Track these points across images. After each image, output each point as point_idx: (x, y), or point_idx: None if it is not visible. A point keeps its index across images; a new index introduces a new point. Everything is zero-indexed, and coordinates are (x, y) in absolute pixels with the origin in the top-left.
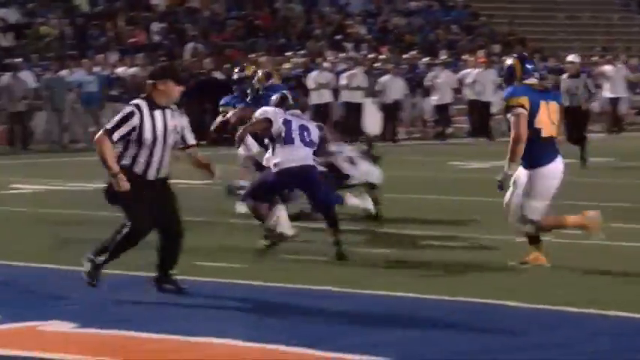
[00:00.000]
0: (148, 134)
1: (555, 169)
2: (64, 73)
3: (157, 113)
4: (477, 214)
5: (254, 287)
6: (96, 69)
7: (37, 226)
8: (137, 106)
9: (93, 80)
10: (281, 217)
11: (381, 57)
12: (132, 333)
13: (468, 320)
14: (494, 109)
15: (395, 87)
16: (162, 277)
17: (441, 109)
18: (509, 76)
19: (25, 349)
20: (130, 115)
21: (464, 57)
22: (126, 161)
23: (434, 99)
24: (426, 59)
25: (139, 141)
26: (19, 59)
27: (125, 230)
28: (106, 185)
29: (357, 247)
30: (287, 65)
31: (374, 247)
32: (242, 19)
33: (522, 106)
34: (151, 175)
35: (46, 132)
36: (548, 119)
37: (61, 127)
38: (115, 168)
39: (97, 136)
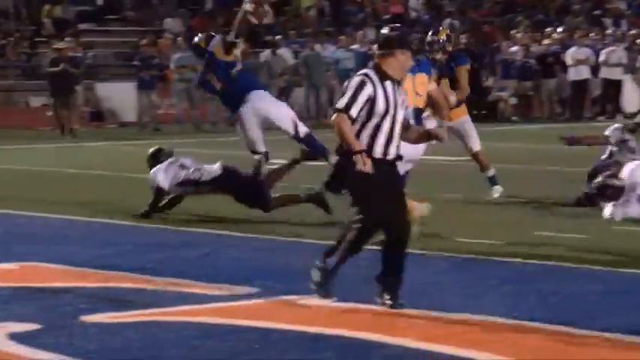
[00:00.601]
0: (381, 105)
1: None
2: (320, 49)
3: (388, 84)
4: None
5: (512, 264)
6: (354, 46)
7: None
8: (366, 75)
9: (350, 57)
10: None
11: None
12: (385, 307)
13: None
14: None
15: None
16: (382, 276)
17: None
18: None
19: (285, 323)
20: (362, 84)
21: None
22: None
23: None
24: None
25: (370, 113)
26: (279, 36)
27: (355, 228)
28: (330, 174)
29: (625, 226)
30: (546, 41)
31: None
32: None
33: None
34: (377, 152)
35: (305, 108)
36: (412, 91)
37: (319, 104)
38: (359, 145)
39: (334, 117)
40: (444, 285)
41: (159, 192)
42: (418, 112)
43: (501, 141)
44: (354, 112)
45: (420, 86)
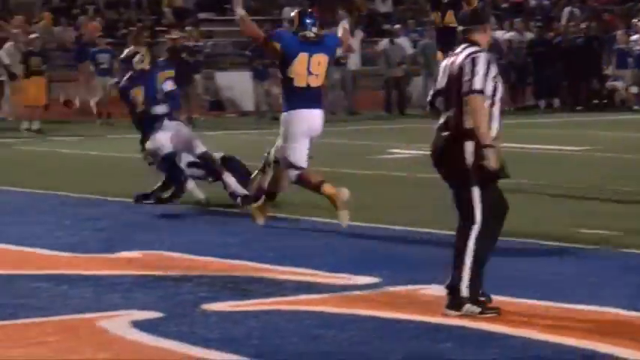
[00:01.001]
0: (500, 86)
1: (308, 114)
2: None
3: None
4: None
5: (634, 255)
6: None
7: (416, 191)
8: (487, 52)
9: None
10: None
11: None
12: (507, 298)
13: None
14: None
15: None
16: None
17: None
18: (290, 27)
19: (406, 313)
20: (490, 62)
21: None
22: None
23: None
24: None
25: (495, 93)
26: (397, 25)
27: (473, 232)
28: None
29: None
30: None
31: None
32: None
33: (274, 50)
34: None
35: (423, 97)
36: (305, 70)
37: None
38: (490, 138)
39: (472, 99)
40: (565, 276)
41: (169, 158)
42: (316, 92)
43: (621, 130)
44: (488, 91)
45: (316, 66)
